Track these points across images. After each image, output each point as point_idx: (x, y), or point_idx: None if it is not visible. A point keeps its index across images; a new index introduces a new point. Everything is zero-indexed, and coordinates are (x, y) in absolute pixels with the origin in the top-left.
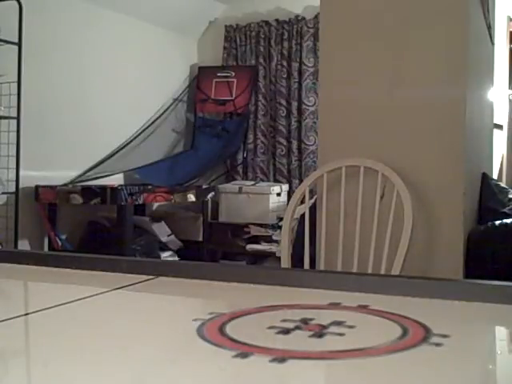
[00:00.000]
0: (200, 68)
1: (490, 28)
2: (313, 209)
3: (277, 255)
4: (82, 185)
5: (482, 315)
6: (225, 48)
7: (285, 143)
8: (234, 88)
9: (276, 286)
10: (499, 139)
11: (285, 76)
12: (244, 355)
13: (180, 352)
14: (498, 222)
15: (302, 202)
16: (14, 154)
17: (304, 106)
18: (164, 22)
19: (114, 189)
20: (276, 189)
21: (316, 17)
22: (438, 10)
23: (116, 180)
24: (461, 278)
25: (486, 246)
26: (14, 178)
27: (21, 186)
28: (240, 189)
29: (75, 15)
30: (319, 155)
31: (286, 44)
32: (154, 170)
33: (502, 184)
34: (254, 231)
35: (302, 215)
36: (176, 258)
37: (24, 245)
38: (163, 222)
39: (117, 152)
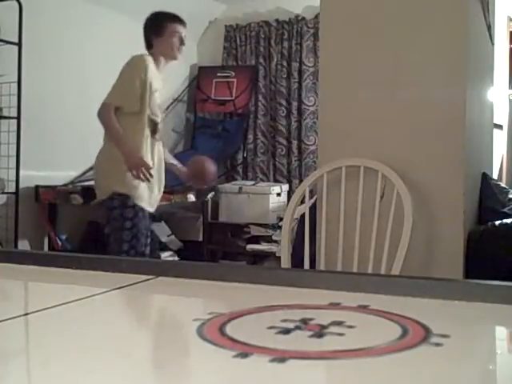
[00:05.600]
0: (200, 68)
1: (490, 28)
2: (313, 209)
3: (277, 255)
4: (82, 185)
5: (482, 315)
6: (225, 48)
7: (285, 143)
8: (234, 88)
9: (276, 286)
10: (499, 139)
11: (285, 76)
12: (244, 355)
13: (180, 352)
14: (497, 222)
15: (302, 202)
16: (14, 154)
17: (304, 106)
18: None
19: None
20: (276, 189)
21: (316, 17)
22: (438, 10)
23: None
24: (461, 278)
25: (486, 246)
26: (14, 178)
27: (21, 186)
28: (240, 189)
29: (75, 15)
30: (319, 155)
31: (286, 44)
32: None
33: (502, 184)
34: (254, 231)
35: (302, 215)
36: (176, 258)
37: (24, 245)
38: (163, 222)
39: None
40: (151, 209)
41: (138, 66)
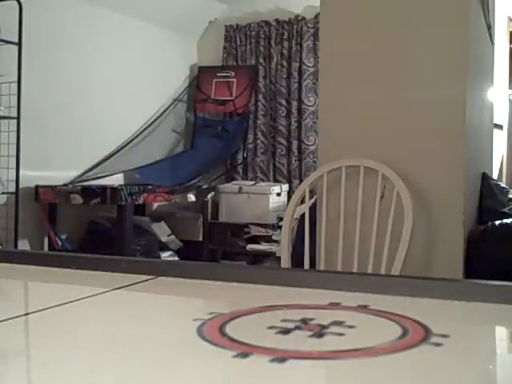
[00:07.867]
0: (200, 68)
1: (490, 28)
2: (313, 209)
3: (277, 255)
4: (82, 185)
5: (482, 315)
6: (225, 48)
7: (285, 143)
8: (234, 88)
9: (276, 286)
10: (499, 139)
11: (285, 76)
12: (244, 355)
13: (180, 352)
14: (497, 222)
15: (302, 201)
16: (14, 154)
17: (304, 106)
18: (164, 22)
19: (114, 189)
20: (276, 189)
21: (316, 17)
22: (438, 10)
23: (116, 180)
24: (461, 278)
25: (485, 246)
26: (14, 178)
27: (21, 186)
28: (240, 189)
29: (75, 15)
30: (319, 155)
31: (285, 44)
32: (155, 170)
33: (502, 184)
34: (254, 231)
35: (302, 215)
36: (176, 258)
37: (24, 245)
38: (163, 222)
39: (117, 152)
40: None
41: None
